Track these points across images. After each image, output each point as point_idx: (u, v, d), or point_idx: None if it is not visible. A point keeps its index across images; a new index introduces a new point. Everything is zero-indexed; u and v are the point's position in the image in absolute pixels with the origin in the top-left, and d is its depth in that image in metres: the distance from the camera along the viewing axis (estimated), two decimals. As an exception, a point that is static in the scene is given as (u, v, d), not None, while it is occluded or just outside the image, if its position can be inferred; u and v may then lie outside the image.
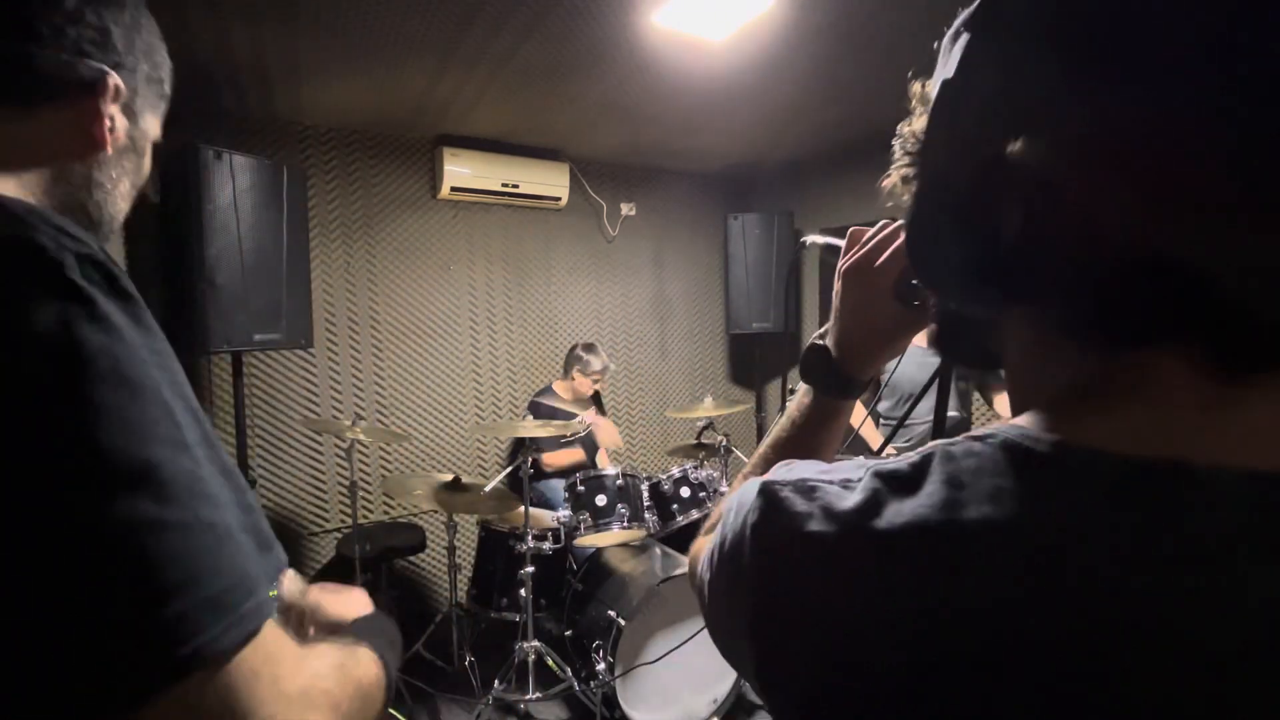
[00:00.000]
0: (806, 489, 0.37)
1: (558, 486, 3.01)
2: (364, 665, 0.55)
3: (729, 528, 0.40)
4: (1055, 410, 0.34)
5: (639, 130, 3.31)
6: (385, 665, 0.58)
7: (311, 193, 3.05)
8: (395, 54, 2.36)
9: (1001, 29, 0.35)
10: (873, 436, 2.70)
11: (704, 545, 0.47)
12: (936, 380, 0.62)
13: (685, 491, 2.78)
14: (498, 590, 2.66)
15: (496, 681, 2.51)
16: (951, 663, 0.29)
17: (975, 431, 0.34)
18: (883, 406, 2.81)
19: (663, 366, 4.28)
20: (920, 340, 0.59)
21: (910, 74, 0.44)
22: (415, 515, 3.41)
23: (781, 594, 0.36)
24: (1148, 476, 0.29)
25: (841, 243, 0.65)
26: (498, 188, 3.42)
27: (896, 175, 0.45)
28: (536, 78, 2.60)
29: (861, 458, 0.40)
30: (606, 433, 3.37)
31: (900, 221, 0.60)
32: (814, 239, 0.79)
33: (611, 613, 2.37)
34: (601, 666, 2.31)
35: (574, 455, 3.24)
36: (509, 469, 2.59)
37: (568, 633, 2.60)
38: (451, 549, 2.79)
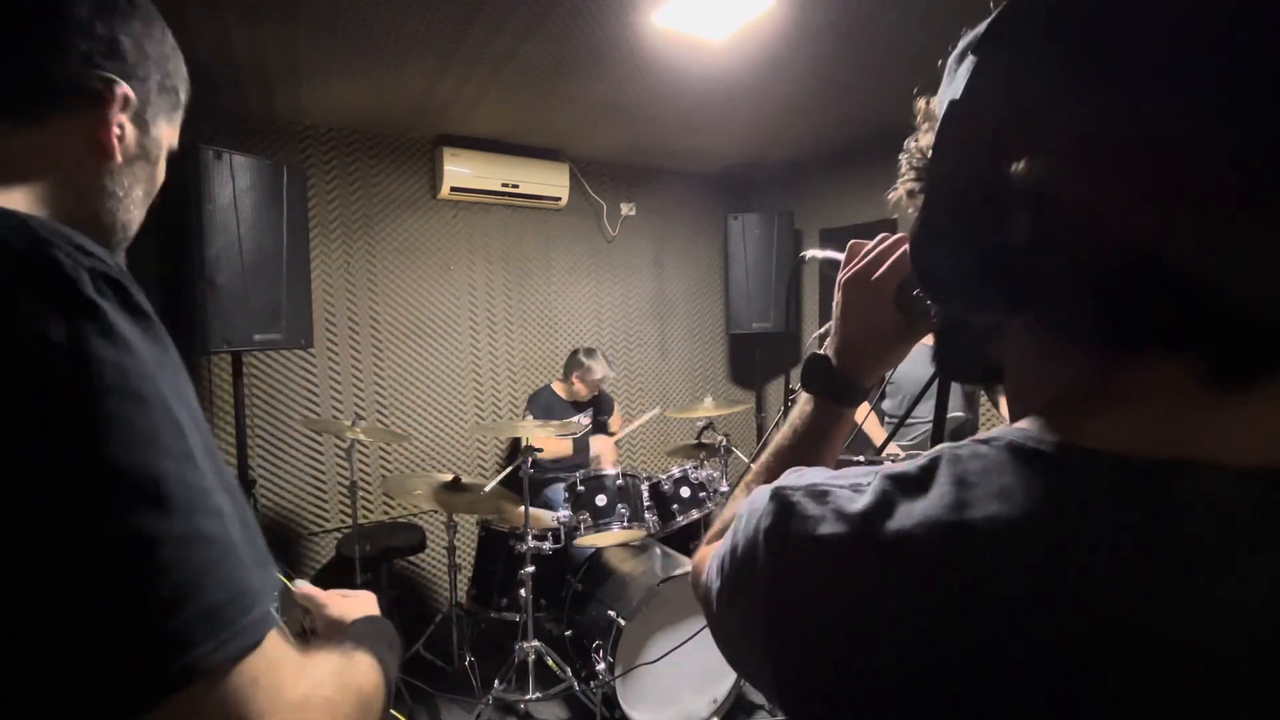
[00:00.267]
0: (818, 493, 0.37)
1: (558, 486, 3.01)
2: (363, 671, 0.55)
3: (740, 534, 0.41)
4: (1057, 412, 0.34)
5: (639, 130, 3.31)
6: (385, 670, 0.58)
7: (311, 193, 3.05)
8: (395, 54, 2.36)
9: (1007, 51, 0.35)
10: (876, 433, 2.70)
11: (709, 554, 0.47)
12: (935, 385, 0.62)
13: (685, 491, 2.78)
14: (498, 590, 2.66)
15: (496, 681, 2.51)
16: (952, 660, 0.29)
17: (980, 435, 0.35)
18: (887, 405, 2.82)
19: (663, 366, 4.28)
20: (926, 338, 0.59)
21: (915, 90, 0.46)
22: (415, 515, 3.41)
23: (797, 597, 0.36)
24: (1148, 476, 0.29)
25: (841, 256, 0.67)
26: (498, 188, 3.42)
27: (903, 189, 0.45)
28: (536, 78, 2.60)
29: (863, 459, 0.41)
30: (605, 454, 3.42)
31: (900, 234, 0.61)
32: (813, 253, 0.80)
33: (611, 613, 2.37)
34: (601, 666, 2.31)
35: (563, 447, 3.25)
36: (509, 469, 2.59)
37: (568, 633, 2.60)
38: (451, 549, 2.79)
